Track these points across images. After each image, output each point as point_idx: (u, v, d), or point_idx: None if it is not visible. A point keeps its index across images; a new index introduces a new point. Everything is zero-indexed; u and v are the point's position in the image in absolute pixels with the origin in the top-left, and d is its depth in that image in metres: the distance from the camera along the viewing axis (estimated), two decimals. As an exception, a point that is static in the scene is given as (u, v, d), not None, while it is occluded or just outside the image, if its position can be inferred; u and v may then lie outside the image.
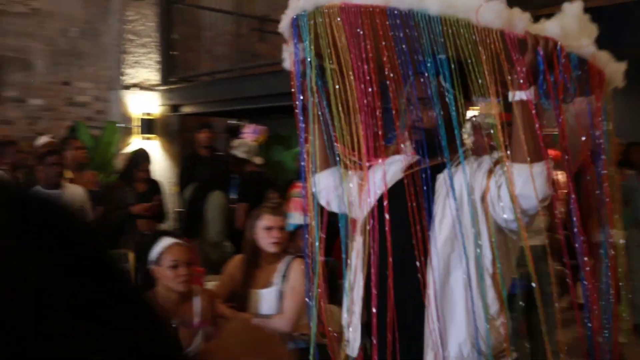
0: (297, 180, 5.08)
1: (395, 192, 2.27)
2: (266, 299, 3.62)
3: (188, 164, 7.55)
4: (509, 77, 2.06)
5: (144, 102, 8.98)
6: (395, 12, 2.03)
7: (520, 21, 2.01)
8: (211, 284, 4.13)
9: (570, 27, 2.06)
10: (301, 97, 2.37)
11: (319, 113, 2.34)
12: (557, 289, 2.13)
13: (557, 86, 2.02)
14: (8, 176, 5.85)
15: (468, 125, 2.22)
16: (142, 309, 0.41)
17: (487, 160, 2.24)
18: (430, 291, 2.16)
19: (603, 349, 2.24)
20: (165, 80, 9.13)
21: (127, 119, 8.86)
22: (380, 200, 2.29)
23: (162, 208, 6.42)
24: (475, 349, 2.13)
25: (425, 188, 2.21)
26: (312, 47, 2.24)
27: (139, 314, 0.40)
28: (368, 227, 2.29)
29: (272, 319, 3.55)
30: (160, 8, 9.14)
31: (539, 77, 2.03)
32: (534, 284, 2.02)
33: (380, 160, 2.37)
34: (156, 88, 9.11)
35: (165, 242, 3.28)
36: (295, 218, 4.72)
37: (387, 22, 2.05)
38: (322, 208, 2.52)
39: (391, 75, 2.14)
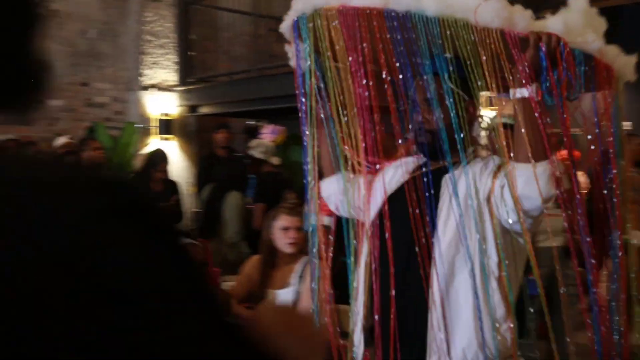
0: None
1: (401, 196, 2.24)
2: (283, 299, 3.61)
3: (205, 165, 7.56)
4: (510, 75, 2.02)
5: (162, 102, 9.00)
6: (393, 14, 2.00)
7: (521, 19, 1.97)
8: (228, 284, 4.13)
9: (575, 23, 2.02)
10: (303, 99, 2.35)
11: (322, 117, 2.32)
12: (577, 290, 2.10)
13: (561, 83, 1.97)
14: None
15: (476, 124, 2.16)
16: (216, 299, 0.41)
17: (493, 161, 2.20)
18: (435, 294, 2.12)
19: (613, 351, 2.20)
20: (183, 81, 9.15)
21: (145, 119, 8.89)
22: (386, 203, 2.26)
23: (180, 208, 6.42)
24: (480, 354, 2.08)
25: (427, 193, 2.17)
26: (312, 49, 2.22)
27: (215, 303, 0.40)
28: (369, 232, 2.26)
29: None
30: (178, 9, 9.16)
31: (541, 74, 1.98)
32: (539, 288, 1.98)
33: (388, 163, 2.35)
34: (174, 89, 9.13)
35: None
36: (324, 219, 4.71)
37: (385, 25, 2.02)
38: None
39: (388, 78, 2.12)
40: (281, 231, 3.68)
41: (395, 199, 2.24)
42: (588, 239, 2.07)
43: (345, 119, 2.22)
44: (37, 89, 0.44)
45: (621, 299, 2.24)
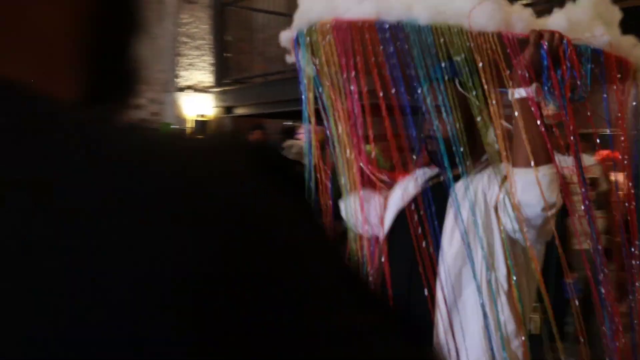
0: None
1: (409, 210, 2.14)
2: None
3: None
4: (508, 75, 1.92)
5: (197, 104, 9.07)
6: (385, 25, 1.92)
7: (519, 20, 1.87)
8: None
9: (580, 17, 1.92)
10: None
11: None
12: (615, 293, 2.06)
13: (565, 83, 1.87)
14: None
15: (491, 131, 2.05)
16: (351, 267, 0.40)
17: (504, 167, 2.05)
18: (440, 309, 2.03)
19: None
20: (218, 82, 9.21)
21: (182, 120, 8.97)
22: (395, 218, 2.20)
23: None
24: None
25: (429, 207, 2.07)
26: (311, 66, 2.17)
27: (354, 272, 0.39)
28: (371, 248, 2.21)
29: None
30: (214, 11, 9.22)
31: (542, 73, 1.88)
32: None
33: (402, 177, 2.28)
34: (210, 90, 9.20)
35: None
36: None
37: (378, 37, 1.95)
38: None
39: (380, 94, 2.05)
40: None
41: (403, 215, 2.15)
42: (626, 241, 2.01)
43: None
44: (133, 89, 0.46)
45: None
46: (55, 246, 0.30)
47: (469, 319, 2.01)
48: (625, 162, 2.10)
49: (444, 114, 2.05)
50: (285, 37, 2.27)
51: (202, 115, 9.07)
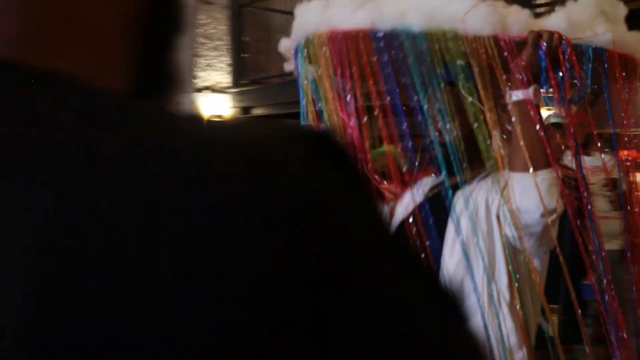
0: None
1: (407, 222, 2.11)
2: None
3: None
4: (504, 78, 1.87)
5: (215, 104, 9.10)
6: (379, 34, 1.89)
7: (515, 22, 1.81)
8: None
9: (581, 16, 1.86)
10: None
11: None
12: (636, 295, 2.04)
13: (564, 84, 1.82)
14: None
15: (496, 136, 1.99)
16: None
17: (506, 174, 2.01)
18: None
19: None
20: (236, 82, 9.23)
21: (199, 121, 8.99)
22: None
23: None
24: None
25: (426, 211, 2.04)
26: (310, 79, 2.17)
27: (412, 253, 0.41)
28: None
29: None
30: (231, 11, 9.24)
31: (540, 75, 1.82)
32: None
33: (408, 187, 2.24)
34: (227, 90, 9.22)
35: None
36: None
37: (372, 46, 1.92)
38: None
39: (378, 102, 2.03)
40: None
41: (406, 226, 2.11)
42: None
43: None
44: (173, 87, 0.48)
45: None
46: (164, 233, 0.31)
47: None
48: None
49: (442, 121, 2.02)
50: (285, 45, 2.27)
51: (220, 116, 9.08)
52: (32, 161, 0.33)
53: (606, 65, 1.90)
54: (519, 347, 1.93)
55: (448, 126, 2.01)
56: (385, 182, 2.25)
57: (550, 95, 1.94)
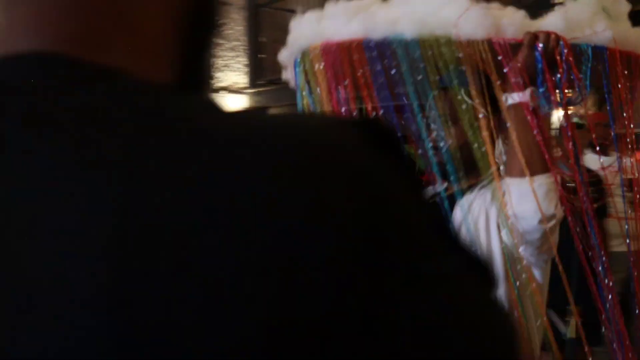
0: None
1: None
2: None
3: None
4: (499, 82, 1.82)
5: (232, 104, 9.12)
6: (371, 44, 1.86)
7: (510, 25, 1.77)
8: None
9: (579, 15, 1.82)
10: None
11: None
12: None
13: (561, 87, 1.77)
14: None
15: (499, 143, 1.94)
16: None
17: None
18: None
19: None
20: (253, 83, 9.25)
21: (216, 121, 9.03)
22: None
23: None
24: None
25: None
26: (307, 92, 2.15)
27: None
28: None
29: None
30: (248, 12, 9.27)
31: (537, 77, 1.77)
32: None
33: None
34: (244, 91, 9.25)
35: None
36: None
37: (365, 56, 1.90)
38: None
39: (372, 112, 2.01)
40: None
41: None
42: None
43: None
44: (208, 86, 0.53)
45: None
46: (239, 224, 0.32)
47: None
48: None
49: (437, 129, 1.99)
50: (284, 55, 2.26)
51: (237, 116, 9.12)
52: (103, 157, 0.33)
53: (607, 64, 1.86)
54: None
55: (443, 134, 1.97)
56: None
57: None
